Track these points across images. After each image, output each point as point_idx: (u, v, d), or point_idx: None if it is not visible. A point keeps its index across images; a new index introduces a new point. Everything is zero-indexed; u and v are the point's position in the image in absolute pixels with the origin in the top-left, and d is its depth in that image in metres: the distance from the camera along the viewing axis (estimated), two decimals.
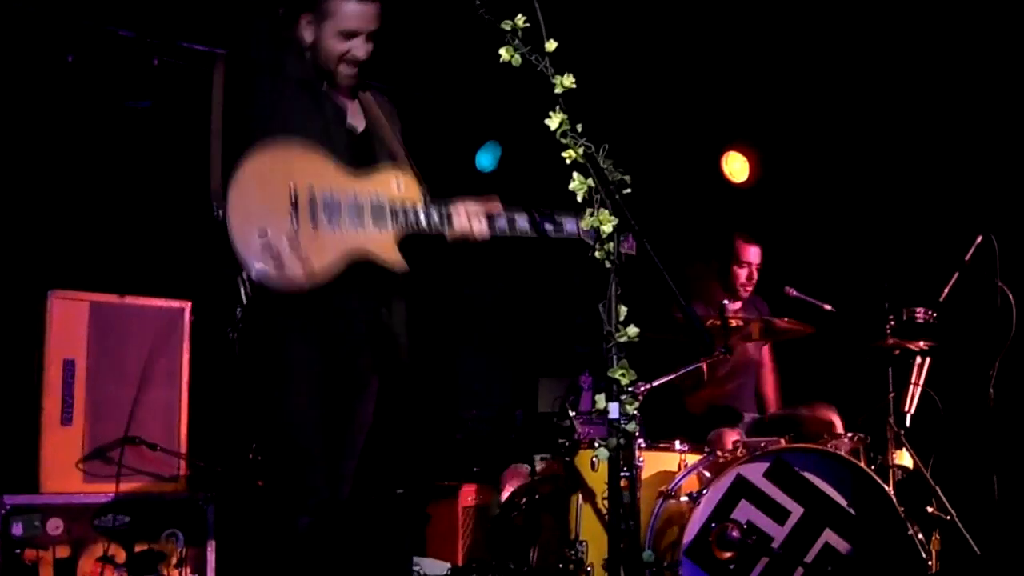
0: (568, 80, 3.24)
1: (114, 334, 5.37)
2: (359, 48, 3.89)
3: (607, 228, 3.14)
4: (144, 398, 5.39)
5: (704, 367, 5.75)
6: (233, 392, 5.97)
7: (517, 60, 3.34)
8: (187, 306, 5.57)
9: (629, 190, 3.20)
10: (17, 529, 4.90)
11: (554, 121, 3.22)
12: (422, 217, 3.77)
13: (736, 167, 7.79)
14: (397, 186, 3.79)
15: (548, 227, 3.86)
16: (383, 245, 3.73)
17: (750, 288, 6.48)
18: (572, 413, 5.40)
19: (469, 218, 3.80)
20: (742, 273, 6.43)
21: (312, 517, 3.59)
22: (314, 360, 3.72)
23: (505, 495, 6.00)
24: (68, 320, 5.26)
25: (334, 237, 3.64)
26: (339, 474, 3.83)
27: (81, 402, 5.24)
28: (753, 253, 6.45)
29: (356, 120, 4.04)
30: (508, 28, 3.34)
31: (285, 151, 3.69)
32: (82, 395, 5.25)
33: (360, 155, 3.90)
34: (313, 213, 3.62)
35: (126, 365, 5.38)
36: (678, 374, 5.58)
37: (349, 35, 3.87)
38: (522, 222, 3.90)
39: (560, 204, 3.53)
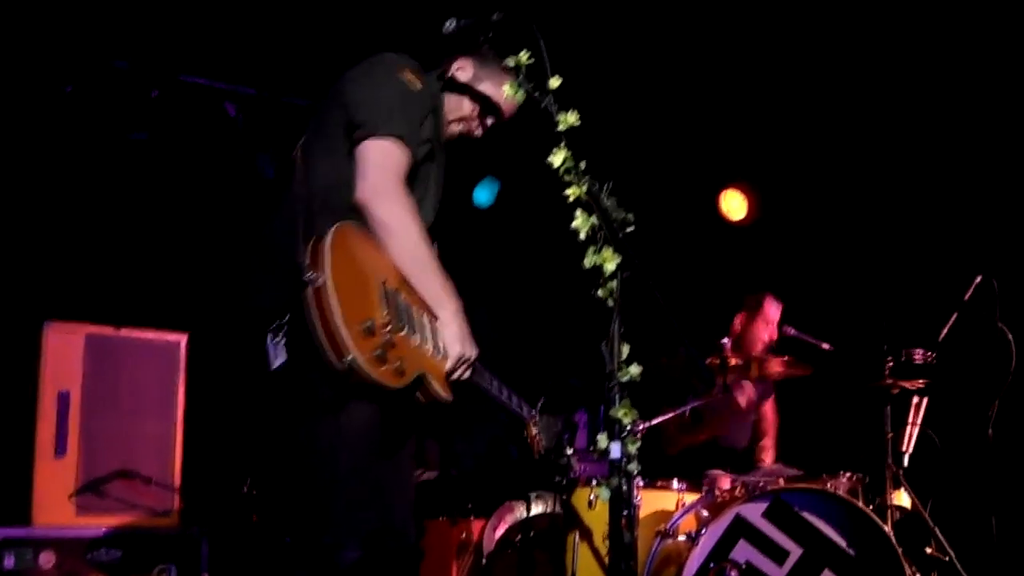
0: (572, 117, 3.23)
1: (110, 366, 5.36)
2: (487, 126, 3.83)
3: (610, 267, 3.13)
4: (138, 430, 5.37)
5: (697, 407, 5.76)
6: (232, 427, 5.97)
7: (521, 96, 3.33)
8: (183, 339, 5.55)
9: (632, 228, 3.19)
10: (9, 562, 4.87)
11: (557, 158, 3.20)
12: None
13: (734, 205, 7.80)
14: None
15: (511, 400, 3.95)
16: (439, 373, 3.48)
17: (768, 345, 6.47)
18: (569, 451, 5.38)
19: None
20: (764, 331, 6.42)
21: (363, 551, 3.35)
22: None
23: (500, 532, 5.96)
24: (64, 351, 5.24)
25: (413, 349, 3.37)
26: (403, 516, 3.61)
27: (75, 434, 5.22)
28: (776, 312, 6.45)
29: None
30: (512, 64, 3.33)
31: (363, 231, 3.38)
32: (76, 427, 5.23)
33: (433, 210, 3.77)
34: (399, 316, 3.34)
35: (121, 397, 5.37)
36: (677, 413, 5.57)
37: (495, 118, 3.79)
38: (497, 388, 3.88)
39: (559, 241, 3.49)
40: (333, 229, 3.24)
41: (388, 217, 3.37)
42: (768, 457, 6.47)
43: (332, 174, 3.47)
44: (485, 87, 3.76)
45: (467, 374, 3.59)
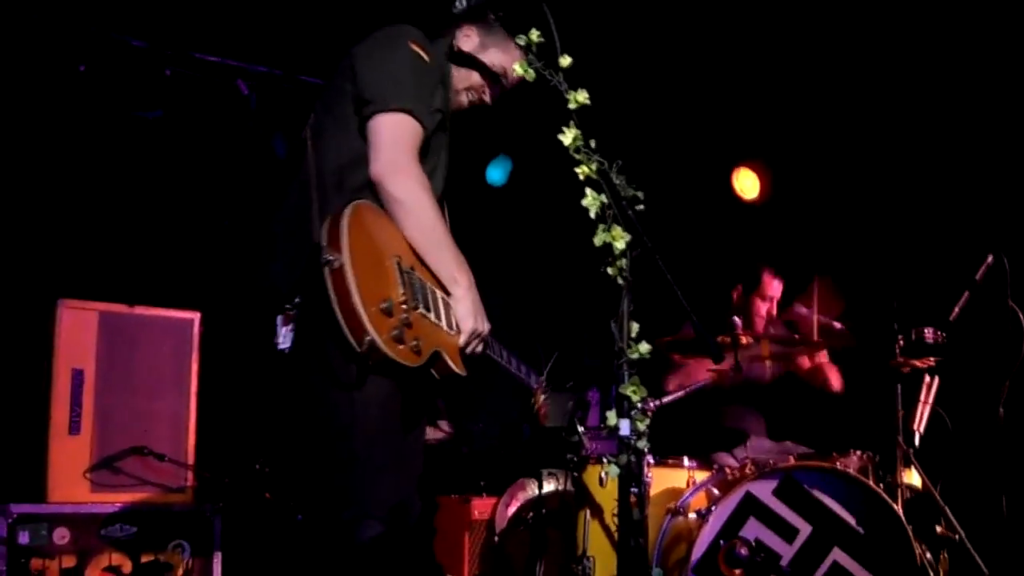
0: (582, 96, 3.24)
1: (123, 344, 5.37)
2: (495, 93, 3.80)
3: (620, 244, 3.14)
4: (152, 408, 5.39)
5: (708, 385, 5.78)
6: (246, 404, 5.99)
7: (531, 75, 3.34)
8: (197, 317, 5.56)
9: (642, 206, 3.20)
10: (24, 538, 4.89)
11: (567, 136, 3.22)
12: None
13: (747, 184, 7.79)
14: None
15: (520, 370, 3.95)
16: (454, 350, 3.49)
17: (765, 320, 6.47)
18: (580, 428, 5.39)
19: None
20: (763, 307, 6.43)
21: (384, 526, 3.35)
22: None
23: (512, 510, 5.99)
24: (77, 329, 5.26)
25: (429, 326, 3.38)
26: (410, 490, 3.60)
27: (89, 411, 5.23)
28: (776, 287, 6.44)
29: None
30: (523, 43, 3.34)
31: (376, 209, 3.38)
32: (90, 404, 5.24)
33: (444, 180, 3.75)
34: (415, 293, 3.35)
35: (135, 375, 5.38)
36: (688, 391, 5.59)
37: (494, 83, 3.74)
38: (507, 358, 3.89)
39: (571, 219, 3.49)
40: (349, 208, 3.24)
41: (403, 193, 3.37)
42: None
43: (344, 152, 3.46)
44: (491, 55, 3.74)
45: (480, 348, 3.60)
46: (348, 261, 3.14)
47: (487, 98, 3.81)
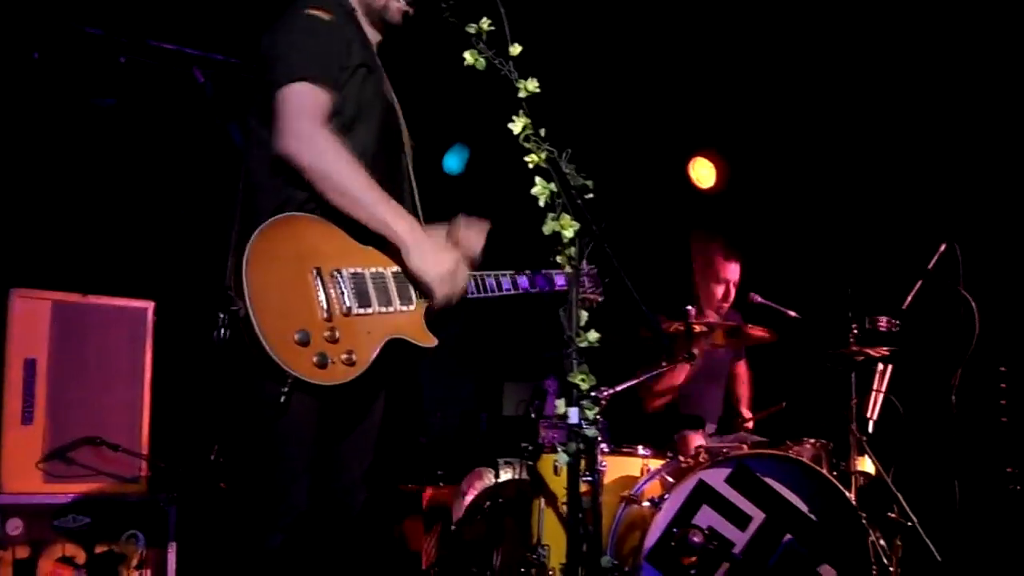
0: (532, 84, 3.23)
1: (77, 333, 5.33)
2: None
3: (569, 233, 3.14)
4: (106, 398, 5.36)
5: (666, 371, 5.79)
6: (200, 394, 5.96)
7: (481, 64, 3.32)
8: (151, 306, 5.53)
9: (592, 195, 3.20)
10: None
11: (517, 125, 3.21)
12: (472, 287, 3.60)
13: (703, 173, 7.82)
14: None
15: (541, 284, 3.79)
16: (415, 325, 3.44)
17: (726, 307, 6.48)
18: (534, 417, 5.41)
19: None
20: (719, 290, 6.43)
21: (285, 535, 3.31)
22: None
23: (468, 499, 6.00)
24: (30, 318, 5.21)
25: (369, 322, 3.31)
26: (344, 484, 3.60)
27: (42, 401, 5.19)
28: (732, 270, 6.44)
29: (388, 89, 3.69)
30: (473, 31, 3.33)
31: (287, 224, 3.28)
32: (43, 394, 5.20)
33: (390, 129, 3.62)
34: (342, 298, 3.28)
35: (88, 365, 5.35)
36: (640, 379, 5.61)
37: None
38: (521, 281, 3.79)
39: (524, 207, 3.47)
40: (253, 239, 3.18)
41: (310, 160, 3.26)
42: (748, 419, 6.50)
43: (267, 145, 3.37)
44: None
45: (457, 294, 3.49)
46: (252, 308, 3.10)
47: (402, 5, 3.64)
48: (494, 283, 3.76)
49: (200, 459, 5.53)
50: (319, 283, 3.26)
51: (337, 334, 3.23)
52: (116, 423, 5.36)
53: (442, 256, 3.47)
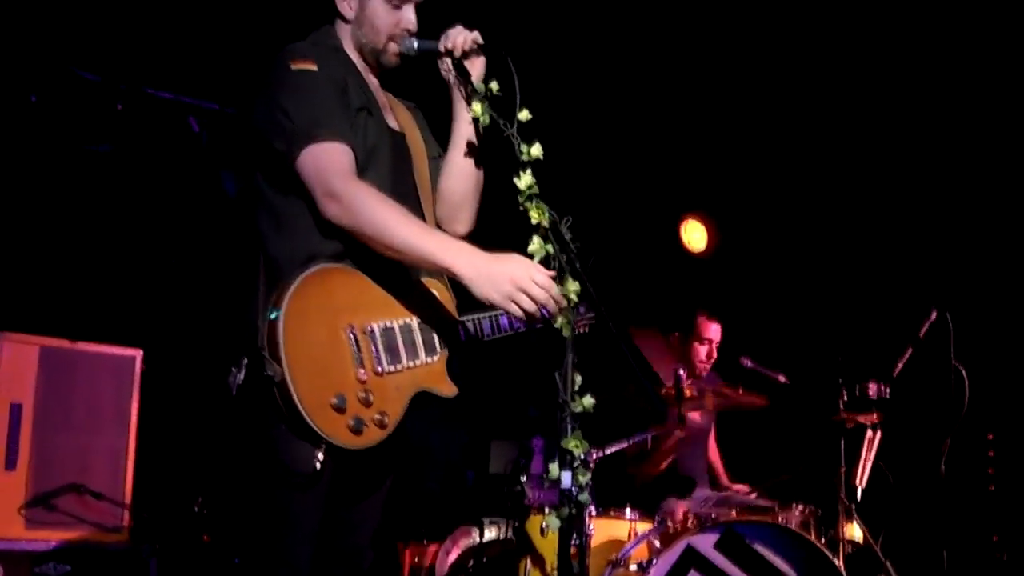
0: (536, 150, 3.20)
1: (64, 379, 5.31)
2: (411, 17, 3.49)
3: (573, 296, 3.12)
4: (91, 445, 5.32)
5: (653, 437, 5.77)
6: (186, 444, 5.92)
7: (486, 120, 3.31)
8: (138, 354, 5.51)
9: (590, 263, 3.17)
10: None
11: (522, 182, 3.17)
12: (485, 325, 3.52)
13: (695, 236, 7.84)
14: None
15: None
16: (438, 375, 3.39)
17: (708, 365, 6.48)
18: (523, 478, 5.38)
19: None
20: (702, 350, 6.44)
21: None
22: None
23: (453, 557, 5.95)
24: (17, 363, 5.19)
25: (399, 379, 3.26)
26: (351, 546, 3.52)
27: (27, 447, 5.16)
28: (714, 331, 6.45)
29: (391, 118, 3.59)
30: (481, 91, 3.32)
31: (320, 279, 3.19)
32: (28, 439, 5.17)
33: (399, 160, 3.51)
34: (375, 357, 3.22)
35: (74, 411, 5.32)
36: (630, 442, 5.58)
37: (400, 1, 3.48)
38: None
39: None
40: (285, 304, 3.10)
41: (349, 218, 3.17)
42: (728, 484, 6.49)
43: (275, 204, 3.33)
44: (374, 5, 3.50)
45: (550, 307, 3.18)
46: (289, 374, 3.04)
47: (393, 49, 3.53)
48: (506, 322, 3.61)
49: (184, 510, 5.48)
50: (353, 341, 3.20)
51: (371, 397, 3.17)
52: (100, 470, 5.33)
53: (495, 273, 3.20)
